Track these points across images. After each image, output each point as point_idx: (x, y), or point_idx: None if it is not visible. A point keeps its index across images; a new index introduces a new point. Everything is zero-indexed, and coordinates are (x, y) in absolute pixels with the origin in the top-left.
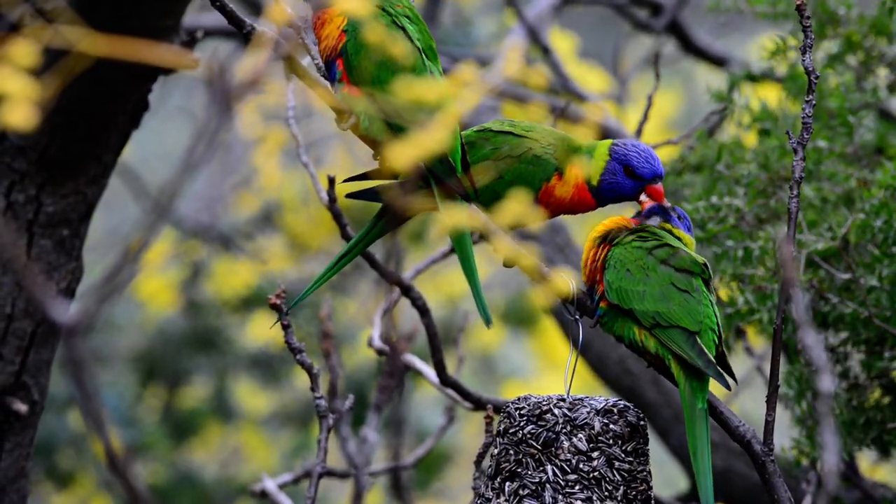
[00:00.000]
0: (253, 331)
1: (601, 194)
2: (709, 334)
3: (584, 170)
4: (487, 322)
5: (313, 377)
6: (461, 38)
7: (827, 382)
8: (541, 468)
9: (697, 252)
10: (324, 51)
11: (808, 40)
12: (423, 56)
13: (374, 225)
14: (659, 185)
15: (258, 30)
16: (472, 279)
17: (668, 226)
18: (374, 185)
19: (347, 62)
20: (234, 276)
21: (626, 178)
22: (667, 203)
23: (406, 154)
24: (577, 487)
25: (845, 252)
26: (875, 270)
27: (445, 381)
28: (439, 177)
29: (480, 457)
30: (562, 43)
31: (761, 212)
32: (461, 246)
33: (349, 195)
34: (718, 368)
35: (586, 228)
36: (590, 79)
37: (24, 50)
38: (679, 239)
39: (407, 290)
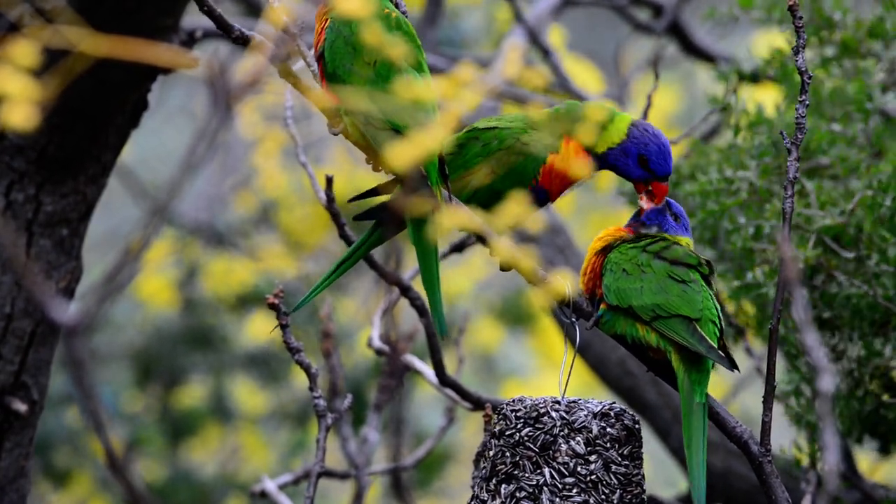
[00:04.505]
0: (250, 329)
1: (604, 162)
2: (709, 326)
3: (585, 139)
4: (442, 333)
5: (312, 377)
6: (450, 30)
7: (827, 382)
8: (538, 471)
9: (700, 243)
10: (314, 47)
11: (801, 41)
12: (402, 66)
13: (371, 235)
14: (665, 184)
15: (248, 34)
16: (431, 290)
17: (667, 236)
18: (378, 203)
19: (324, 65)
20: (231, 275)
21: (636, 166)
22: (661, 204)
23: (391, 162)
24: (574, 490)
25: (852, 228)
26: (883, 250)
27: (444, 381)
28: (412, 188)
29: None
30: (552, 37)
31: (774, 185)
32: (425, 257)
33: (357, 217)
34: (720, 353)
35: (587, 229)
36: (579, 72)
37: (25, 50)
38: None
39: (406, 291)
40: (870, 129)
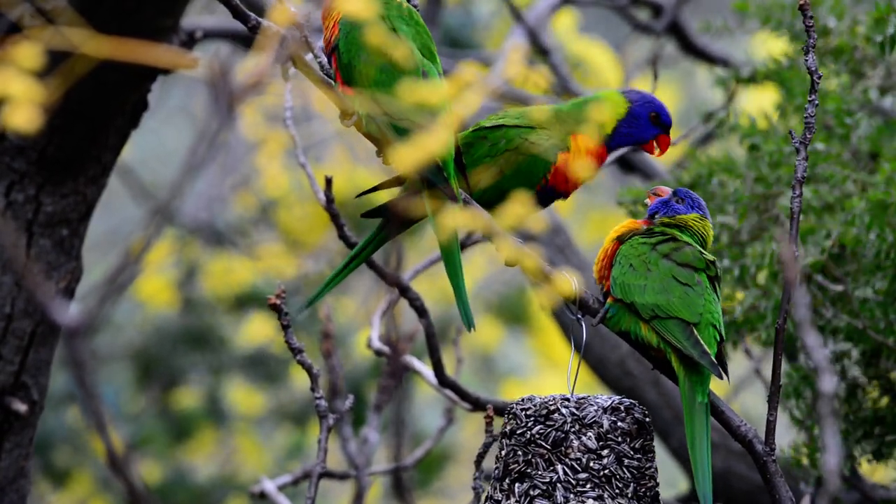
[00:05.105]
0: (249, 330)
1: (616, 138)
2: (710, 329)
3: (591, 128)
4: (469, 327)
5: (313, 377)
6: (462, 16)
7: (828, 383)
8: (551, 468)
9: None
10: (325, 43)
11: (811, 40)
12: (419, 58)
13: (377, 234)
14: (669, 136)
15: (264, 24)
16: (456, 283)
17: (676, 219)
18: (385, 202)
19: (339, 59)
20: (231, 275)
21: (649, 125)
22: (667, 194)
23: (404, 156)
24: (588, 486)
25: (837, 263)
26: (869, 283)
27: (444, 381)
28: (430, 182)
29: (480, 456)
30: (563, 19)
31: (754, 228)
32: (448, 253)
33: (364, 214)
34: (713, 359)
35: (587, 229)
36: (595, 56)
37: (28, 52)
38: (691, 230)
39: (405, 291)
40: (853, 145)
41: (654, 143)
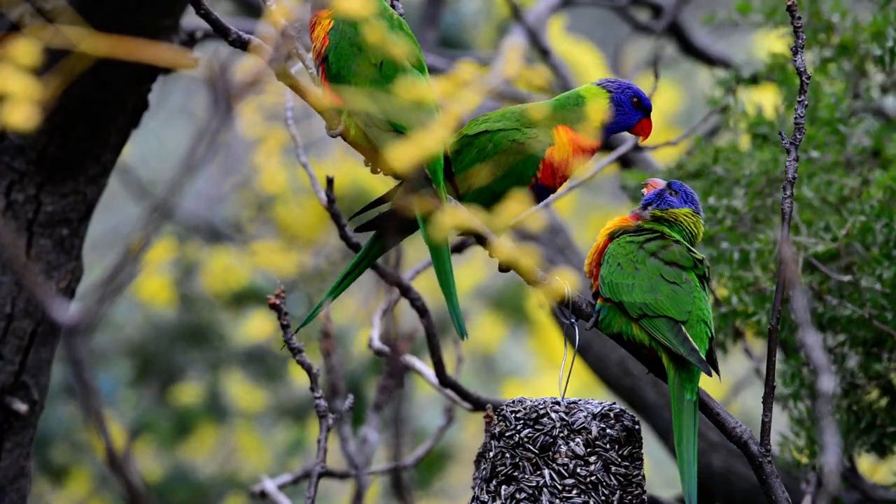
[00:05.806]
0: (247, 327)
1: (604, 135)
2: (700, 326)
3: (578, 125)
4: (462, 335)
5: (313, 377)
6: (449, 15)
7: (827, 382)
8: (538, 472)
9: (699, 247)
10: (314, 53)
11: (800, 41)
12: (406, 67)
13: (372, 245)
14: (651, 120)
15: (245, 37)
16: (447, 291)
17: (668, 213)
18: (381, 213)
19: (328, 69)
20: (229, 272)
21: (633, 110)
22: (661, 185)
23: (393, 164)
24: (574, 492)
25: (845, 254)
26: (875, 273)
27: (444, 381)
28: (415, 188)
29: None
30: (552, 23)
31: (758, 213)
32: (438, 258)
33: (358, 229)
34: (702, 356)
35: (587, 229)
36: (578, 55)
37: (26, 50)
38: (681, 225)
39: (406, 291)
40: (848, 152)
41: (640, 127)
